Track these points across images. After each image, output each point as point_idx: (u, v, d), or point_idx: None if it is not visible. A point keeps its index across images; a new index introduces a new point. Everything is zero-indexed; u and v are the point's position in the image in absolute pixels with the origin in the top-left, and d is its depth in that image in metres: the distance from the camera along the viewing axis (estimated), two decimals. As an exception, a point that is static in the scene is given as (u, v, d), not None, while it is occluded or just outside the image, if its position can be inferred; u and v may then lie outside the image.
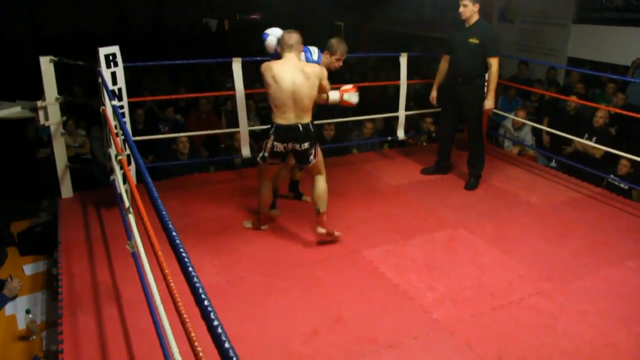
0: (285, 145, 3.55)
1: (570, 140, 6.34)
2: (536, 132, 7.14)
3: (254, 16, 17.37)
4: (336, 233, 3.92)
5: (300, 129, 3.53)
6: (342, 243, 3.96)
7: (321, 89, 3.70)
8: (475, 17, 4.76)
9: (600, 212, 4.77)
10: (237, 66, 4.84)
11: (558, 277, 3.63)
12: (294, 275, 3.52)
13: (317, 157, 3.71)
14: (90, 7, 12.67)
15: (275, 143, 3.55)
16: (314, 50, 3.93)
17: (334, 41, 3.98)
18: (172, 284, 1.40)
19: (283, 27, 3.77)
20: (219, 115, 7.71)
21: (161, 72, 9.42)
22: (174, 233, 1.45)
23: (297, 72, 3.49)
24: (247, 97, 7.55)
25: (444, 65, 5.16)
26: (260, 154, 3.68)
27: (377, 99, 9.28)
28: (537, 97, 8.07)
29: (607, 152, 5.81)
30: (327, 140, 6.31)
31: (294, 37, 3.56)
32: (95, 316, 3.06)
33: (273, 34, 3.84)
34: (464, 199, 4.86)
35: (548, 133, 6.82)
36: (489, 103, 4.90)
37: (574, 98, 6.84)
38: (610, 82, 7.51)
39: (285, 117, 3.53)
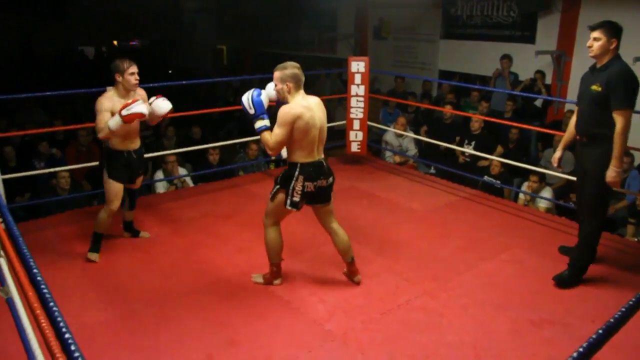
0: (315, 183, 3.39)
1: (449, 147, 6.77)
2: (417, 142, 7.55)
3: (133, 42, 16.97)
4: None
5: (324, 163, 3.46)
6: (232, 266, 3.95)
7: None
8: (609, 56, 3.51)
9: (476, 212, 5.12)
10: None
11: (441, 276, 3.85)
12: (184, 303, 3.45)
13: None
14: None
15: (306, 183, 3.37)
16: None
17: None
18: (46, 331, 1.34)
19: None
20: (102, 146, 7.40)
21: (35, 105, 8.91)
22: (35, 271, 1.40)
23: (320, 108, 3.41)
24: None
25: (573, 119, 3.87)
26: (289, 200, 3.40)
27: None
28: (414, 109, 8.55)
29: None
30: (213, 164, 6.27)
31: (299, 70, 3.33)
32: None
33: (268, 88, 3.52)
34: (350, 212, 4.98)
35: (425, 142, 7.23)
36: (610, 173, 3.55)
37: (448, 108, 7.31)
38: (474, 91, 8.14)
39: (312, 155, 3.38)
